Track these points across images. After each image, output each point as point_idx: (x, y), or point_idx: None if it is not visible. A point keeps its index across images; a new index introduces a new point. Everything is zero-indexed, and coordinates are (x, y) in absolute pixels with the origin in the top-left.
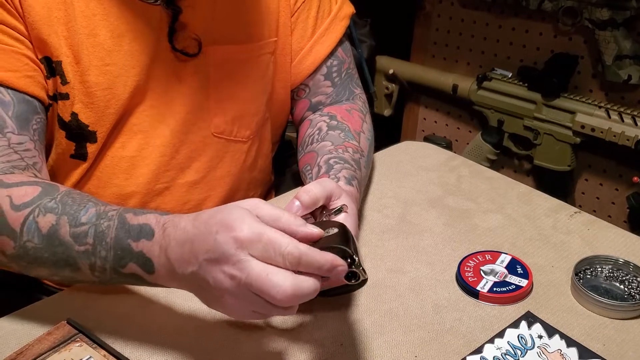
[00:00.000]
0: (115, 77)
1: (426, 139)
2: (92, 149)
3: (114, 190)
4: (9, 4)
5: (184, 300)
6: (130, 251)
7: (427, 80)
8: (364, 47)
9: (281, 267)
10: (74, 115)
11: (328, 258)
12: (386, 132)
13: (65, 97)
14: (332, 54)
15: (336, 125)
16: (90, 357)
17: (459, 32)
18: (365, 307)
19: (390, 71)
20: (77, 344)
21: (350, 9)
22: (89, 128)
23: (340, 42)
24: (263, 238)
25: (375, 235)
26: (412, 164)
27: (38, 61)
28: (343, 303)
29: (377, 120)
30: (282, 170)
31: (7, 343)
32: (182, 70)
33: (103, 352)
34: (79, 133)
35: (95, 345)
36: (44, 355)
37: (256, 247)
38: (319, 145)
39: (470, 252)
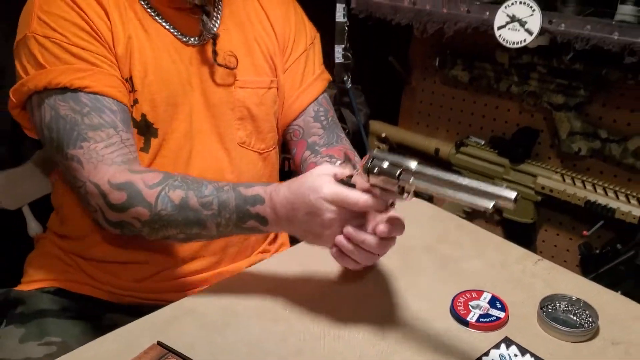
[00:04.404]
0: (170, 91)
1: None
2: (154, 143)
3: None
4: (102, 39)
5: (259, 317)
6: (249, 213)
7: (413, 143)
8: (361, 115)
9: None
10: (144, 115)
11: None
12: None
13: (136, 102)
14: (316, 102)
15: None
16: None
17: (440, 105)
18: (376, 334)
19: (383, 135)
20: None
21: (328, 76)
22: (153, 125)
23: (322, 96)
24: (340, 196)
25: (381, 275)
26: (408, 216)
27: (124, 80)
28: (353, 330)
29: None
30: None
31: None
32: (217, 93)
33: None
34: (146, 130)
35: None
36: None
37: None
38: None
39: (460, 291)
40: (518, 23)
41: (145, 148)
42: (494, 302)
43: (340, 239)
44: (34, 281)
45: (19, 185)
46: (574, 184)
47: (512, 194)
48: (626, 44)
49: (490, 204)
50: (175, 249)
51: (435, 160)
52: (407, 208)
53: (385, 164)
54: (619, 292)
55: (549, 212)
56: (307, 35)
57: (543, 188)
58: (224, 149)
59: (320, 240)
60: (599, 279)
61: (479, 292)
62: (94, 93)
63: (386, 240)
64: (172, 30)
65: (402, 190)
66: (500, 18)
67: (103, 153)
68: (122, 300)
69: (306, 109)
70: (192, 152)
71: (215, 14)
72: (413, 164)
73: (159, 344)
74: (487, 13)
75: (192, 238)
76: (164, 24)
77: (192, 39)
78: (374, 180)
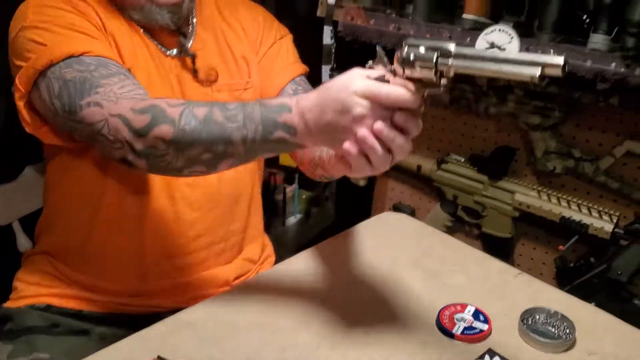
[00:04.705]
0: (155, 94)
1: (394, 207)
2: None
3: (166, 179)
4: (97, 25)
5: (257, 329)
6: (275, 122)
7: None
8: None
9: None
10: None
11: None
12: (362, 199)
13: None
14: (293, 82)
15: None
16: None
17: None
18: (368, 345)
19: None
20: None
21: (305, 67)
22: None
23: (300, 78)
24: (372, 89)
25: (371, 289)
26: (394, 232)
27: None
28: (347, 342)
29: (354, 189)
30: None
31: None
32: (195, 97)
33: None
34: None
35: None
36: None
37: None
38: None
39: (445, 304)
40: (497, 49)
41: None
42: (477, 315)
43: (364, 131)
44: (23, 297)
45: (9, 201)
46: (550, 200)
47: (560, 60)
48: (598, 72)
49: (537, 72)
50: (164, 241)
51: (418, 177)
52: (392, 225)
53: (422, 49)
54: (593, 303)
55: (526, 226)
56: (277, 31)
57: (520, 204)
58: None
59: (351, 139)
60: (574, 291)
61: (463, 305)
62: (97, 56)
63: (406, 139)
64: (153, 41)
65: (440, 76)
66: (480, 44)
67: (120, 92)
68: (111, 310)
69: (284, 90)
70: None
71: (190, 30)
72: (451, 46)
73: (160, 358)
74: (468, 39)
75: (218, 158)
76: (146, 35)
77: (170, 52)
78: (409, 71)
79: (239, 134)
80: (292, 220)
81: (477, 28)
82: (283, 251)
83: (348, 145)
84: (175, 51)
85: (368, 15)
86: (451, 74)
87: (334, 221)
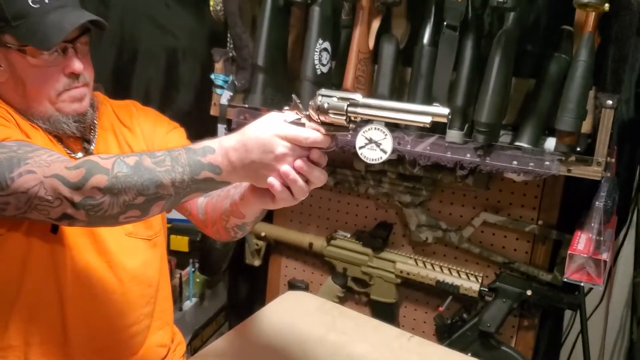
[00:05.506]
0: None
1: (290, 283)
2: (62, 228)
3: (84, 264)
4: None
5: None
6: (201, 164)
7: (288, 239)
8: None
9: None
10: None
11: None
12: (256, 277)
13: None
14: None
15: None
16: None
17: (310, 204)
18: None
19: (262, 234)
20: None
21: None
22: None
23: None
24: (292, 132)
25: None
26: (298, 311)
27: None
28: None
29: (249, 269)
30: None
31: None
32: None
33: None
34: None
35: None
36: None
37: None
38: (215, 198)
39: None
40: (375, 144)
41: (54, 228)
42: None
43: (287, 168)
44: None
45: None
46: (425, 267)
47: (446, 111)
48: (457, 161)
49: (428, 120)
50: (86, 324)
51: (309, 253)
52: (295, 304)
53: (334, 99)
54: (470, 354)
55: (407, 291)
56: (168, 124)
57: (401, 272)
58: (114, 238)
59: (274, 175)
60: (453, 345)
61: None
62: (17, 140)
63: (322, 171)
64: (62, 146)
65: (349, 121)
66: (360, 140)
67: (50, 159)
68: None
69: None
70: (94, 236)
71: (92, 136)
72: (358, 97)
73: None
74: (349, 136)
75: (151, 201)
76: (54, 139)
77: (76, 154)
78: (323, 117)
79: (168, 176)
80: (188, 304)
81: (358, 125)
82: (183, 335)
83: (272, 180)
84: (80, 154)
85: (258, 116)
86: (358, 119)
87: (229, 301)
